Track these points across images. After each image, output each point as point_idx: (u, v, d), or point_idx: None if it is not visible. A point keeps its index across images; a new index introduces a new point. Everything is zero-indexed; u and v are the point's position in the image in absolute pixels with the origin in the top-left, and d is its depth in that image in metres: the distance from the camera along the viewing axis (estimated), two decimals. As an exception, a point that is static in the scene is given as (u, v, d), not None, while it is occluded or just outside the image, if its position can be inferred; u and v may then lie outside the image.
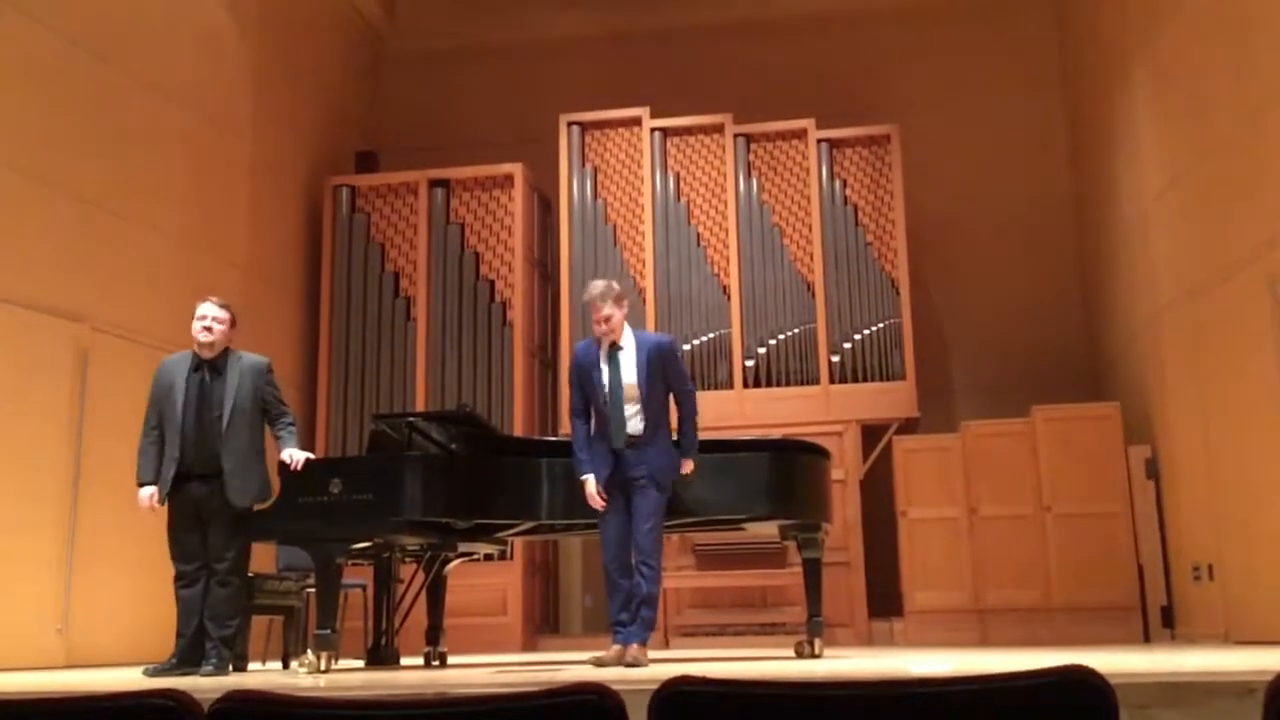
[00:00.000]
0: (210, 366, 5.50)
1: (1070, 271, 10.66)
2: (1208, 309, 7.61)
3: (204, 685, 4.38)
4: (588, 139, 10.52)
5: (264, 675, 5.46)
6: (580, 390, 5.43)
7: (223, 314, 5.54)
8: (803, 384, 9.69)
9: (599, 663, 5.10)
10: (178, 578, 5.45)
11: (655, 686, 1.71)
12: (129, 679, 5.18)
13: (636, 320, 9.93)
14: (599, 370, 5.36)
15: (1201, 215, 7.72)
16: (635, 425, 5.31)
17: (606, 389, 5.32)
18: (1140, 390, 9.02)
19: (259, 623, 6.04)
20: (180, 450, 5.37)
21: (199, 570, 5.42)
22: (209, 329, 5.48)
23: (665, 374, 5.39)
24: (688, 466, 5.39)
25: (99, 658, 7.21)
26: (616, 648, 5.17)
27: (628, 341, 5.42)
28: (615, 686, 1.70)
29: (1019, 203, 10.72)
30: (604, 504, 5.27)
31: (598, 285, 5.46)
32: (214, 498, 5.39)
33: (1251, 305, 6.92)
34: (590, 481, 5.28)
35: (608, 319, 5.36)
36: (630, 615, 5.23)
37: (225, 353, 5.55)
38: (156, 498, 5.38)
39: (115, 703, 1.78)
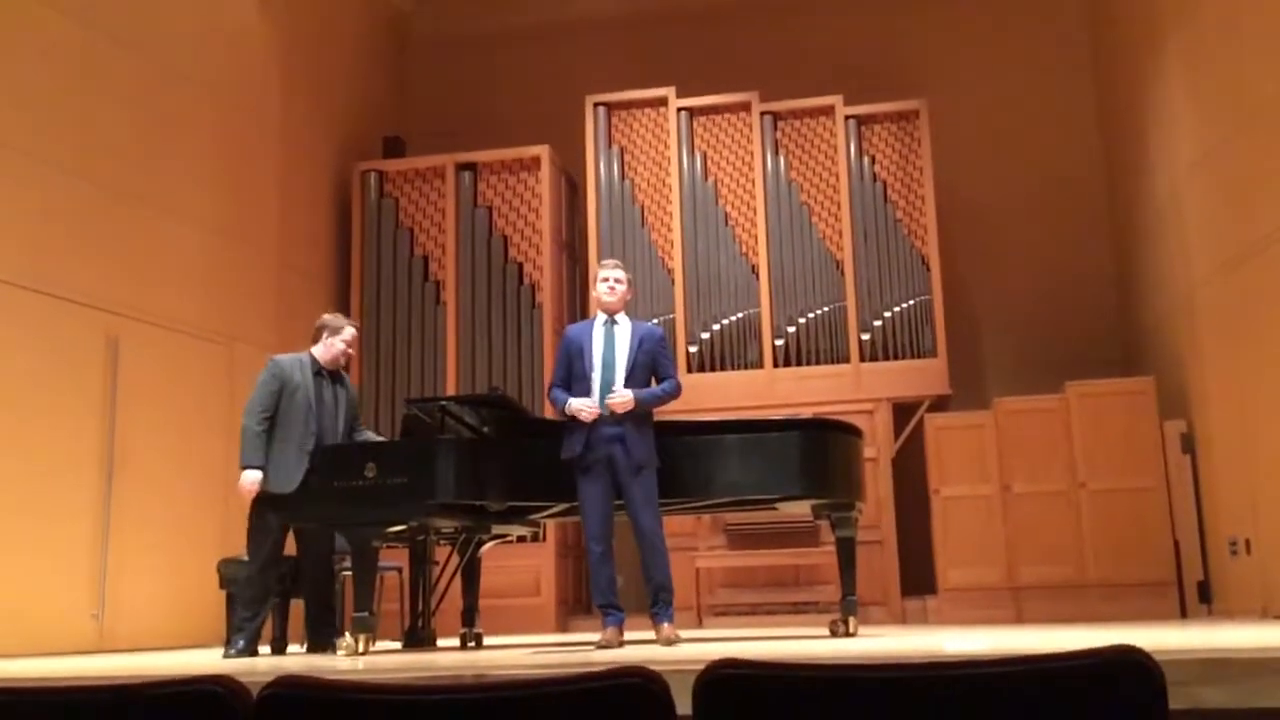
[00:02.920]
0: (331, 375, 5.87)
1: (1103, 245, 10.55)
2: (1243, 282, 7.52)
3: (260, 667, 4.45)
4: (614, 120, 10.49)
5: (303, 658, 5.51)
6: (566, 365, 5.50)
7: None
8: (833, 362, 9.66)
9: (603, 645, 5.06)
10: (262, 570, 5.68)
11: (698, 669, 1.72)
12: (170, 663, 5.25)
13: (666, 302, 9.95)
14: (590, 340, 5.47)
15: (1237, 188, 7.62)
16: None
17: (600, 356, 5.40)
18: (1175, 365, 8.93)
19: (297, 606, 6.10)
20: (315, 446, 5.63)
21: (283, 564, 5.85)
22: (348, 354, 5.99)
23: (654, 362, 5.51)
24: (621, 398, 5.25)
25: (133, 642, 7.31)
26: (610, 629, 5.17)
27: (623, 321, 5.57)
28: (657, 668, 1.71)
29: (1050, 177, 10.60)
30: (594, 412, 5.25)
31: (611, 259, 6.00)
32: None
33: (1289, 277, 6.85)
34: (574, 403, 5.29)
35: (617, 281, 5.55)
36: (651, 599, 5.27)
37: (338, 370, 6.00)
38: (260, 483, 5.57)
39: (165, 689, 1.80)
